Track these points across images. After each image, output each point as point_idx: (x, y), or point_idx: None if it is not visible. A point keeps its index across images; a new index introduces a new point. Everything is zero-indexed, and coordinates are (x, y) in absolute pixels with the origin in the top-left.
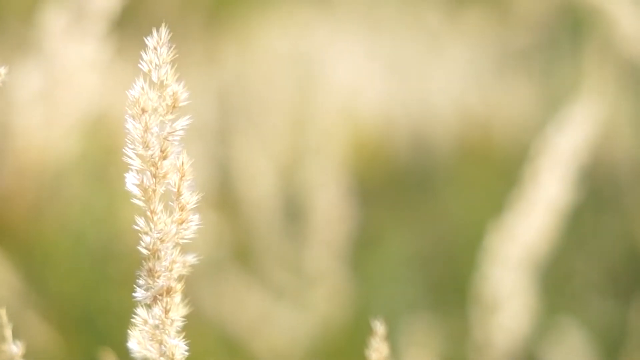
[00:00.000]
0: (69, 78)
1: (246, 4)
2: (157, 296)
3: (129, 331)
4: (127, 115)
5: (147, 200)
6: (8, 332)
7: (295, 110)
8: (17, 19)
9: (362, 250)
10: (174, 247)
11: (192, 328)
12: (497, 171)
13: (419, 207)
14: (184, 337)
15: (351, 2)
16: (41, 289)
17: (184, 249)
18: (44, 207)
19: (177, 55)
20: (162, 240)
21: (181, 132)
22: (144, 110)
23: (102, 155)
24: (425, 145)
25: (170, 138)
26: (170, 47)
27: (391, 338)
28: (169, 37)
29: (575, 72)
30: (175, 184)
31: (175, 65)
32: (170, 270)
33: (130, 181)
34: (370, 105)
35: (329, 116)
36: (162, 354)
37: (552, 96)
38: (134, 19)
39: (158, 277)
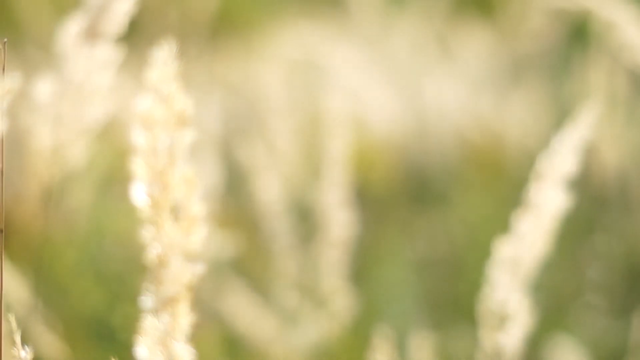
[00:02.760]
0: (81, 83)
1: (251, 14)
2: (165, 303)
3: (137, 337)
4: (135, 127)
5: (155, 211)
6: (17, 338)
7: (302, 120)
8: (40, 32)
9: (367, 262)
10: (182, 256)
11: (200, 336)
12: (505, 180)
13: (427, 217)
14: (191, 343)
15: (357, 12)
16: (48, 296)
17: (192, 258)
18: (53, 212)
19: (184, 64)
20: (169, 250)
21: (189, 143)
22: (152, 122)
23: (113, 158)
24: (433, 153)
25: (178, 149)
26: (177, 56)
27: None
28: (176, 45)
29: (581, 81)
30: (183, 195)
31: (182, 76)
32: (178, 279)
33: (139, 192)
34: (378, 114)
35: (337, 125)
36: None
37: (558, 105)
38: (140, 27)
39: (165, 285)
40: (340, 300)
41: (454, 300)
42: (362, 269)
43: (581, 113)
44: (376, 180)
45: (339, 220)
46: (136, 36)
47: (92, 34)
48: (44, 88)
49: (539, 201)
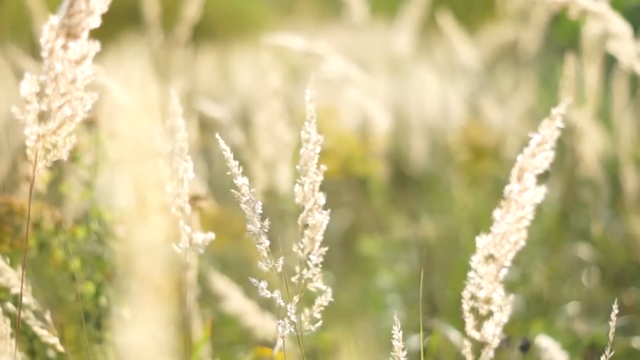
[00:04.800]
0: (61, 76)
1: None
2: (149, 293)
3: (122, 323)
4: (117, 120)
5: (141, 205)
6: (6, 329)
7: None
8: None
9: (359, 244)
10: (168, 248)
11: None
12: (499, 168)
13: (424, 201)
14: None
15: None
16: (39, 283)
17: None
18: (43, 201)
19: (166, 57)
20: (154, 241)
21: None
22: (133, 116)
23: (99, 147)
24: (428, 143)
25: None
26: (160, 50)
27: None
28: (159, 37)
29: (571, 74)
30: (171, 189)
31: (164, 69)
32: (162, 269)
33: (124, 189)
34: (377, 107)
35: (316, 116)
36: None
37: (549, 98)
38: (127, 18)
39: (147, 275)
40: (318, 287)
41: (444, 288)
42: (355, 252)
43: (557, 110)
44: (373, 170)
45: (316, 209)
46: (125, 30)
47: (68, 28)
48: (28, 82)
49: (518, 197)
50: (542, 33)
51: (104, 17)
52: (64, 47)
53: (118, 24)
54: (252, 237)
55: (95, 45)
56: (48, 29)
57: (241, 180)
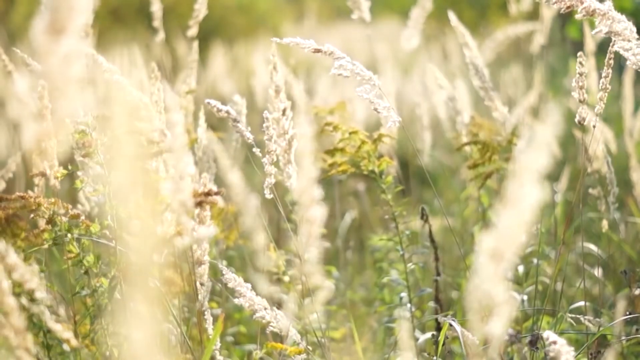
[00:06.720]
0: (53, 76)
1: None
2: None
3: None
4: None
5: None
6: (21, 323)
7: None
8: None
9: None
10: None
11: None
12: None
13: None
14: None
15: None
16: (53, 278)
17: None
18: (56, 198)
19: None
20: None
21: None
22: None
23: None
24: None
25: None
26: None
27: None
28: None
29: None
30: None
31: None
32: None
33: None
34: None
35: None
36: None
37: (559, 94)
38: (125, 16)
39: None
40: (318, 282)
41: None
42: (364, 248)
43: (552, 110)
44: (383, 166)
45: (312, 204)
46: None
47: (54, 28)
48: (22, 83)
49: (517, 195)
50: (553, 30)
51: (114, 13)
52: (54, 44)
53: (126, 20)
54: (247, 234)
55: (87, 42)
56: (37, 25)
57: (232, 177)
